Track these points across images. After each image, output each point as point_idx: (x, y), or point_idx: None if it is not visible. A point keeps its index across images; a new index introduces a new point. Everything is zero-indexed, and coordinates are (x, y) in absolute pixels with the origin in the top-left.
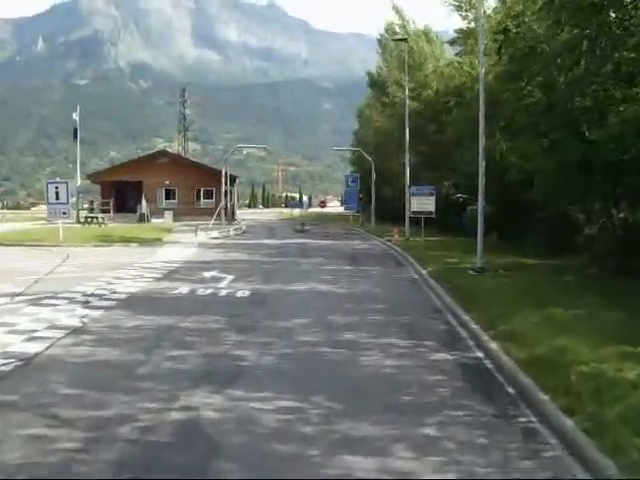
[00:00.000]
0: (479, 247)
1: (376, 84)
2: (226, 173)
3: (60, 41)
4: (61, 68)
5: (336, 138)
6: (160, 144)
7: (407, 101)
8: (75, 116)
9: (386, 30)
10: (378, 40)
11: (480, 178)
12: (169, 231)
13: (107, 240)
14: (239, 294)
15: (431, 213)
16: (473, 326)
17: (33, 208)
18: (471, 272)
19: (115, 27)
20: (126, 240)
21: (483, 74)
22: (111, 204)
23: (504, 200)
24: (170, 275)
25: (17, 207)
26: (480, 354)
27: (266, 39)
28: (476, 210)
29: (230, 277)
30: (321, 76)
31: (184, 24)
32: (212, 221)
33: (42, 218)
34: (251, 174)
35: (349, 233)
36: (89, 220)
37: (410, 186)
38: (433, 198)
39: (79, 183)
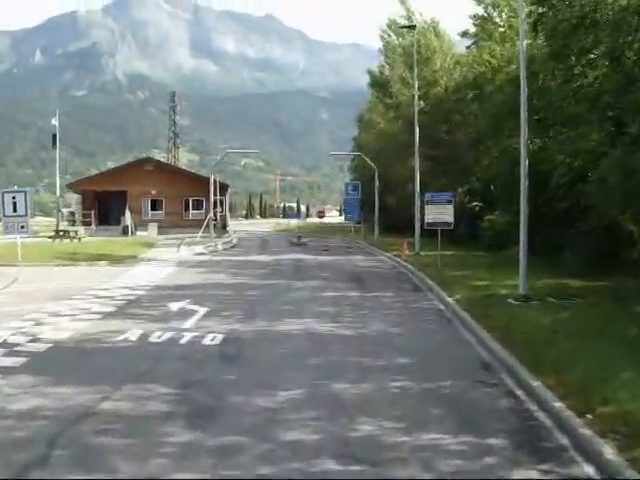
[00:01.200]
0: (522, 269)
1: (378, 84)
2: (215, 181)
3: (58, 53)
4: (59, 80)
5: (334, 148)
6: (158, 155)
7: (416, 98)
8: (54, 121)
9: (389, 25)
10: (380, 36)
11: (522, 179)
12: (150, 246)
13: (73, 258)
14: (207, 341)
15: (449, 224)
16: (556, 405)
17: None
18: (512, 301)
19: (112, 39)
20: (95, 258)
21: (524, 47)
22: (92, 215)
23: (533, 208)
24: (125, 309)
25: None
26: (589, 469)
27: (263, 49)
28: (495, 220)
29: (202, 311)
30: (318, 86)
31: (181, 35)
32: (199, 234)
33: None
34: (248, 184)
35: (351, 247)
36: (61, 234)
37: (423, 193)
38: (451, 207)
39: (58, 193)
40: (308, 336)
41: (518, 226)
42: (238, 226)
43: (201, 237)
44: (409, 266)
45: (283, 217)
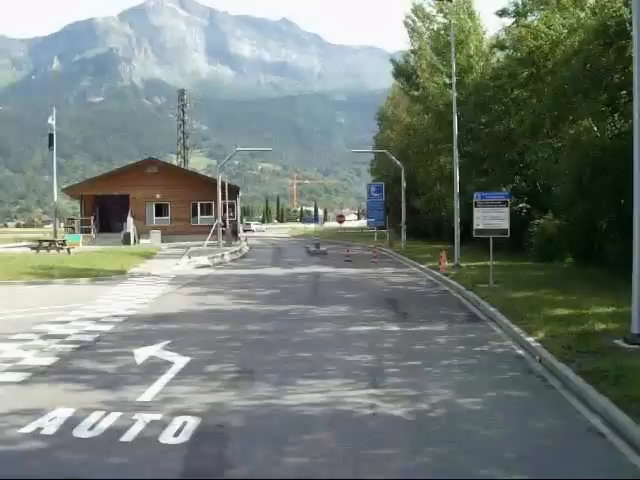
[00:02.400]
0: (636, 297)
1: (403, 74)
2: (224, 184)
3: (75, 59)
4: (76, 86)
5: (350, 151)
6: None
7: (454, 77)
8: (51, 120)
9: (414, 11)
10: (404, 22)
11: (637, 172)
12: (149, 256)
13: (49, 274)
14: (169, 435)
15: (505, 232)
16: None
17: (46, 226)
18: (625, 345)
19: (129, 45)
20: (76, 274)
21: None
22: (92, 222)
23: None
24: (69, 361)
25: (31, 225)
26: None
27: (280, 54)
28: (546, 225)
29: (179, 363)
30: (335, 89)
31: (198, 40)
32: (206, 242)
33: (27, 239)
34: (266, 189)
35: (376, 256)
36: (47, 245)
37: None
38: (507, 210)
39: (56, 199)
40: (335, 422)
41: (573, 233)
42: (252, 232)
43: (208, 245)
44: (453, 282)
45: (300, 221)
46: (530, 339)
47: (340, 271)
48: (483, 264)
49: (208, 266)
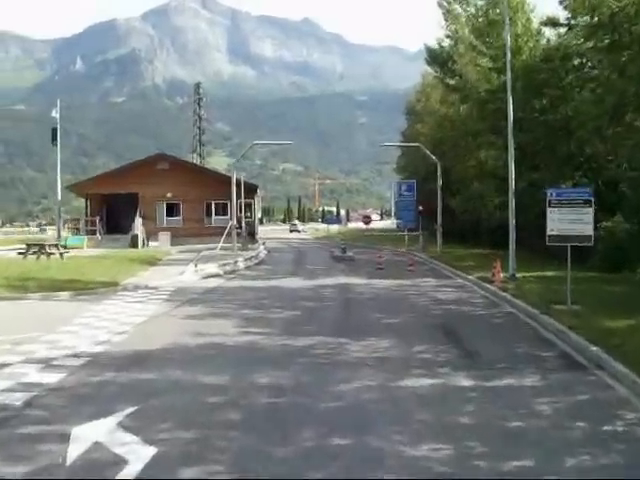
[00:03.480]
0: None
1: (437, 61)
2: (239, 181)
3: (98, 60)
4: (99, 87)
5: (372, 151)
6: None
7: (508, 54)
8: (55, 113)
9: None
10: (438, 4)
11: None
12: (153, 263)
13: (25, 287)
14: None
15: (588, 239)
16: None
17: (49, 227)
18: None
19: (151, 45)
20: (58, 286)
21: None
22: (97, 223)
23: None
24: None
25: (52, 224)
26: None
27: (301, 54)
28: (614, 229)
29: (128, 471)
30: (356, 89)
31: (219, 41)
32: (219, 245)
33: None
34: (287, 189)
35: (411, 263)
36: (36, 250)
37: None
38: (590, 212)
39: (59, 197)
40: None
41: None
42: (273, 233)
43: (222, 249)
44: (517, 301)
45: (322, 222)
46: None
47: (373, 283)
48: (540, 274)
49: (218, 275)
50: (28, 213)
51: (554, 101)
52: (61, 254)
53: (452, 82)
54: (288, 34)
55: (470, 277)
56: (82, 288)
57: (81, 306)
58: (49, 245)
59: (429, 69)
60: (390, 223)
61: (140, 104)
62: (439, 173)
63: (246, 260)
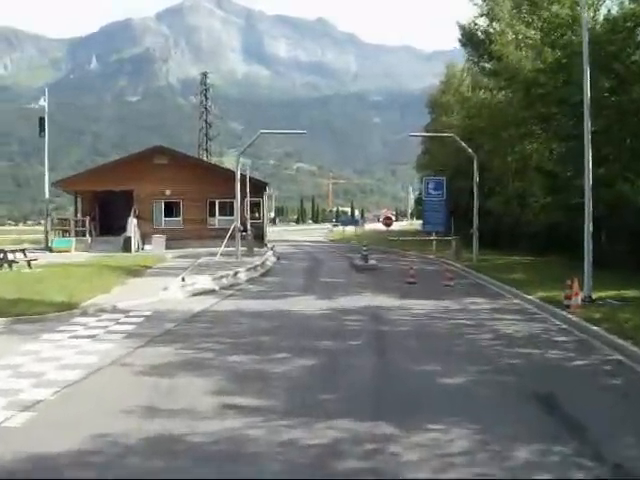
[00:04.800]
0: None
1: (473, 40)
2: (245, 177)
3: (113, 59)
4: (114, 86)
5: (386, 151)
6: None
7: (585, 13)
8: (43, 102)
9: None
10: None
11: None
12: (137, 273)
13: None
14: None
15: None
16: None
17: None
18: None
19: (166, 45)
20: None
21: None
22: (88, 224)
23: None
24: None
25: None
26: None
27: (316, 53)
28: None
29: None
30: (371, 89)
31: (234, 40)
32: (220, 250)
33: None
34: (301, 189)
35: (450, 275)
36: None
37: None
38: None
39: (47, 195)
40: None
41: None
42: (284, 234)
43: (223, 255)
44: (620, 342)
45: (336, 222)
46: None
47: (408, 305)
48: (620, 294)
49: (213, 291)
50: (40, 212)
51: (624, 79)
52: (29, 262)
53: (487, 65)
54: (302, 34)
55: (529, 297)
56: (24, 313)
57: (7, 343)
58: (12, 251)
59: (453, 60)
60: (406, 224)
61: (154, 103)
62: (475, 167)
63: (249, 270)
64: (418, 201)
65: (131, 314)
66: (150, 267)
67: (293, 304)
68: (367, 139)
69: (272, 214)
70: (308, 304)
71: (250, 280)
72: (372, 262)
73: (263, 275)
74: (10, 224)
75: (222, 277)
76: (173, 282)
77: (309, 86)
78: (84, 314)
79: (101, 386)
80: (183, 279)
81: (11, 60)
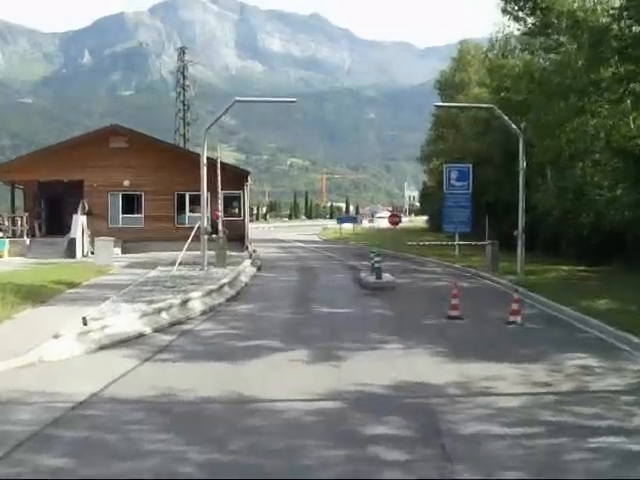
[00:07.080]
0: None
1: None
2: (210, 160)
3: (105, 53)
4: (106, 80)
5: (380, 147)
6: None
7: None
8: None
9: None
10: None
11: None
12: (48, 297)
13: None
14: None
15: None
16: None
17: None
18: None
19: (159, 39)
20: None
21: None
22: (25, 222)
23: None
24: None
25: None
26: None
27: (310, 49)
28: None
29: None
30: (365, 85)
31: (228, 35)
32: (178, 261)
33: None
34: (294, 184)
35: (516, 308)
36: None
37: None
38: None
39: None
40: None
41: None
42: (273, 232)
43: (184, 265)
44: None
45: (330, 218)
46: None
47: (473, 381)
48: None
49: (140, 336)
50: None
51: None
52: None
53: (531, 20)
54: (296, 29)
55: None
56: None
57: None
58: None
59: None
60: (406, 220)
61: (148, 97)
62: (521, 149)
63: (210, 294)
64: (424, 195)
65: None
66: (78, 284)
67: (265, 378)
68: (361, 135)
69: (264, 210)
70: (292, 381)
71: (208, 312)
72: (387, 277)
73: (231, 300)
74: None
75: (161, 310)
76: (72, 324)
77: (303, 81)
78: None
79: None
80: (85, 322)
81: (4, 54)
